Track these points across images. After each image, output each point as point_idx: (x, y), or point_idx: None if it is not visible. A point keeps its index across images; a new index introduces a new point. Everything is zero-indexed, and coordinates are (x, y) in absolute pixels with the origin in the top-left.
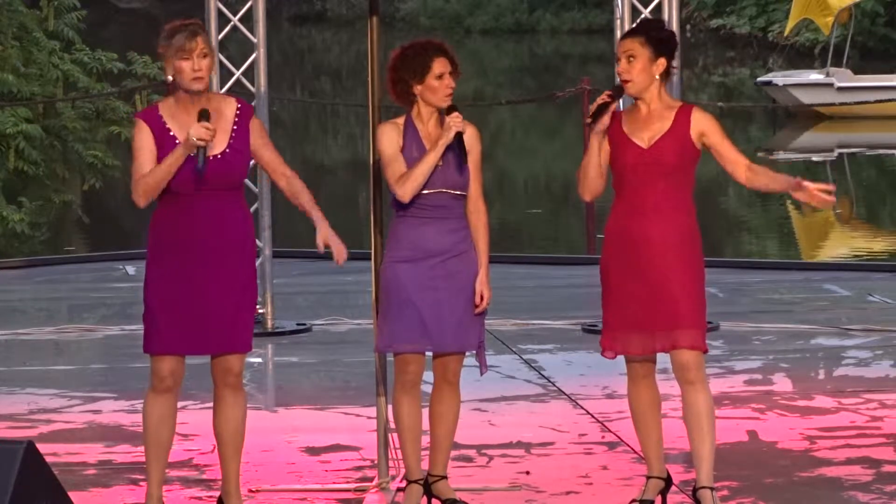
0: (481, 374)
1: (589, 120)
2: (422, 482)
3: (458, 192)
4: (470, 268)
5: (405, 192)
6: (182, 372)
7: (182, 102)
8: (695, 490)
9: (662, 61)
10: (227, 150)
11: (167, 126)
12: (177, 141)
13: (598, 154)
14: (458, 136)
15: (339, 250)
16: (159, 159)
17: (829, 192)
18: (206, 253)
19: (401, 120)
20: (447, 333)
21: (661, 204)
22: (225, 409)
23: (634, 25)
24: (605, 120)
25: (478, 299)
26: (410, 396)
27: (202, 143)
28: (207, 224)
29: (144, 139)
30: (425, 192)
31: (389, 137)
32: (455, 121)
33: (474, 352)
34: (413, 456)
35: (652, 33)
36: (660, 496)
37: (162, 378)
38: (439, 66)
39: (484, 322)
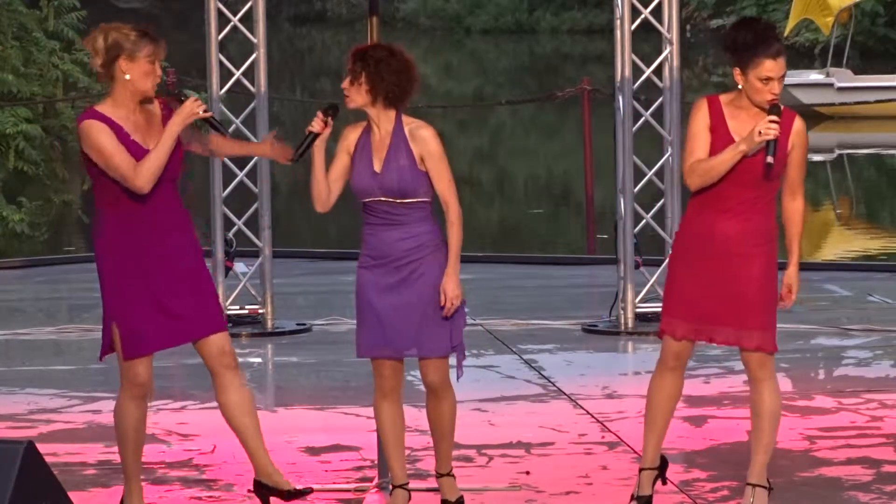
0: (457, 378)
1: (771, 159)
2: (407, 486)
3: (402, 201)
4: (433, 273)
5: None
6: (152, 371)
7: (123, 103)
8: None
9: None
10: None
11: (119, 125)
12: (131, 138)
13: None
14: (311, 135)
15: (281, 149)
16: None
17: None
18: (165, 243)
19: (363, 123)
20: (407, 339)
21: (747, 204)
22: (232, 393)
23: (769, 34)
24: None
25: (442, 299)
26: (389, 401)
27: (206, 113)
28: (162, 215)
29: (111, 137)
30: (366, 200)
31: (343, 139)
32: (313, 123)
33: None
34: (396, 461)
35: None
36: (660, 479)
37: (142, 383)
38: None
39: (459, 325)
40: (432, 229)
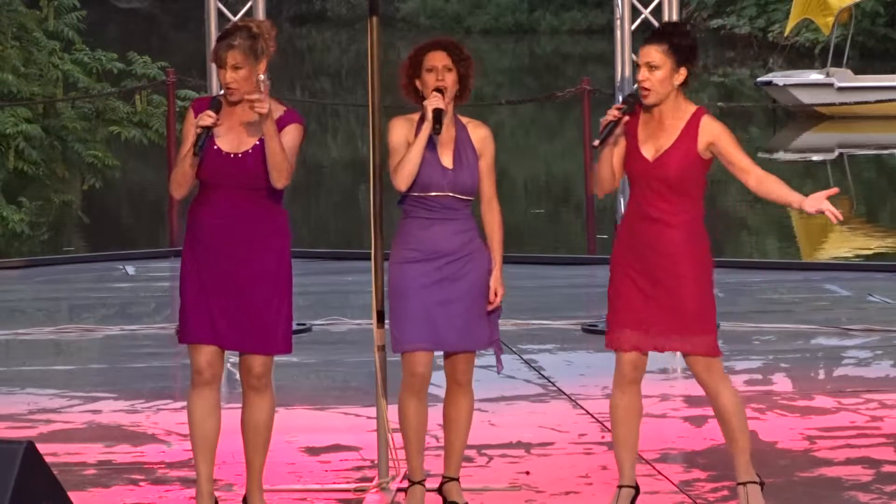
0: (498, 372)
1: (597, 143)
2: (424, 483)
3: (465, 197)
4: (478, 268)
5: (399, 180)
6: (220, 366)
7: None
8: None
9: (684, 71)
10: (250, 151)
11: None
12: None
13: (609, 162)
14: (437, 112)
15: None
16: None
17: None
18: (226, 248)
19: (416, 116)
20: (455, 332)
21: (667, 210)
22: (245, 410)
23: (658, 29)
24: (618, 132)
25: (492, 296)
26: (418, 399)
27: (198, 129)
28: (227, 220)
29: (188, 127)
30: (433, 194)
31: (400, 130)
32: (433, 100)
33: (492, 351)
34: (416, 457)
35: (675, 41)
36: None
37: (199, 371)
38: (431, 59)
39: (497, 321)
40: (475, 224)
